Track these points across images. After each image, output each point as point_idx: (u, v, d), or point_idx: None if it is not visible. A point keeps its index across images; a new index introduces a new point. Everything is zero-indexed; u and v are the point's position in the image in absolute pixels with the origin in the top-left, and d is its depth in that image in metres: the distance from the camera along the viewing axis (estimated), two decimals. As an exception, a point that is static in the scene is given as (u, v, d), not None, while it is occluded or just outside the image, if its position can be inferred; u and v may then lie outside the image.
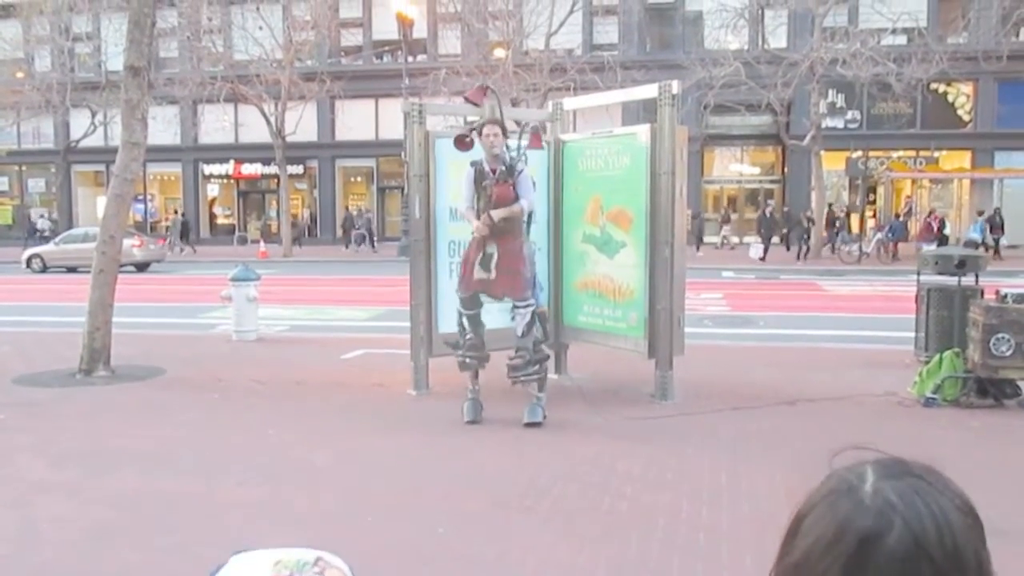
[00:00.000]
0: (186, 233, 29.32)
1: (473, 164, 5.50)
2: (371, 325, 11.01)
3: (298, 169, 32.08)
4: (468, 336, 5.60)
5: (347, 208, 31.11)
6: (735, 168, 30.86)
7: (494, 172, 5.43)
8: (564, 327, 6.78)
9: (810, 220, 23.01)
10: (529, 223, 5.67)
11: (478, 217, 5.41)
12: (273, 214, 33.69)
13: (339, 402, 6.14)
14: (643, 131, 6.01)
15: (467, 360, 5.59)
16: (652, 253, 5.94)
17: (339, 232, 30.29)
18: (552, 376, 6.61)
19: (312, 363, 7.73)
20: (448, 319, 6.13)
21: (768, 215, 23.95)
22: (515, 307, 5.48)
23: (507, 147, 5.48)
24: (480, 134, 5.44)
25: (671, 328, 5.92)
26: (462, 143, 5.58)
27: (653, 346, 5.98)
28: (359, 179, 34.48)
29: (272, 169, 30.32)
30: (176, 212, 31.14)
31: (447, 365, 6.12)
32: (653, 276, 5.94)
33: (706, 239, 27.03)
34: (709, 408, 5.82)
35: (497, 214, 5.34)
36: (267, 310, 11.11)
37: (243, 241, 30.94)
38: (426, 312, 6.21)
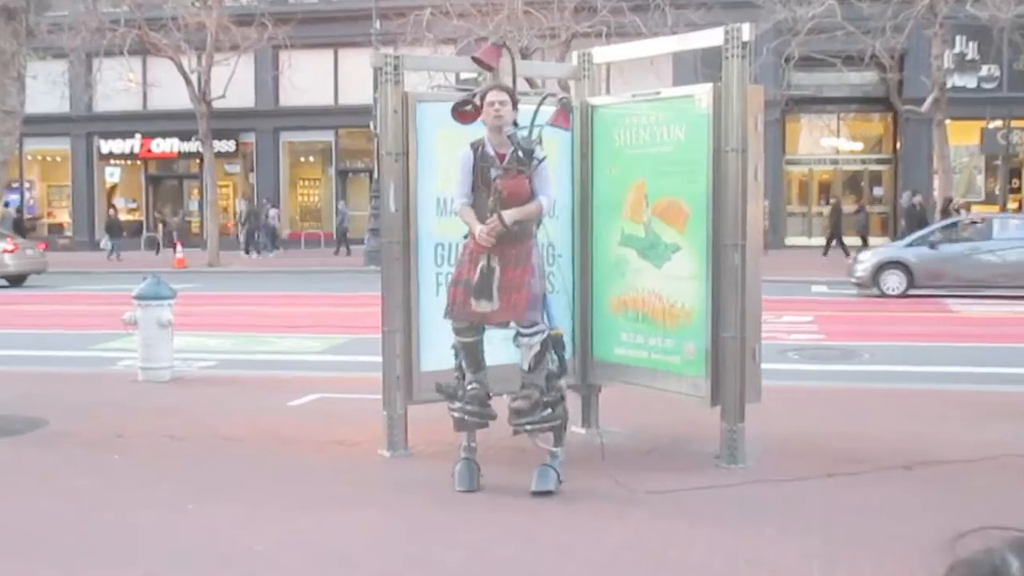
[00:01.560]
0: (116, 232, 29.48)
1: (473, 146, 5.51)
2: (328, 360, 11.03)
3: (229, 146, 32.36)
4: (471, 385, 5.59)
5: (248, 200, 31.24)
6: (829, 143, 30.97)
7: (502, 158, 5.44)
8: (594, 363, 6.78)
9: (955, 209, 22.62)
10: (540, 221, 5.69)
11: (480, 218, 5.40)
12: (195, 207, 33.94)
13: (285, 466, 6.14)
14: (703, 93, 6.02)
15: (466, 417, 5.59)
16: (716, 260, 5.94)
17: (240, 232, 30.51)
18: (577, 430, 6.61)
19: (248, 412, 7.73)
20: (435, 351, 6.14)
21: (914, 206, 23.74)
22: (520, 334, 5.49)
23: (516, 124, 5.48)
24: (481, 104, 5.45)
25: (743, 364, 5.91)
26: (464, 114, 5.58)
27: (718, 389, 5.97)
28: (312, 159, 34.73)
29: (193, 146, 30.57)
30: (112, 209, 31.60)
31: (434, 414, 6.13)
32: (718, 292, 5.94)
33: (789, 240, 27.10)
34: (795, 474, 5.80)
35: (510, 216, 5.32)
36: (186, 339, 11.13)
37: (153, 245, 31.14)
38: (404, 342, 6.22)
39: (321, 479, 5.86)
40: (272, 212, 30.71)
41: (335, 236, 30.12)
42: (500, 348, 5.80)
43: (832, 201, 27.39)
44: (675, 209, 6.18)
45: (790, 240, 28.69)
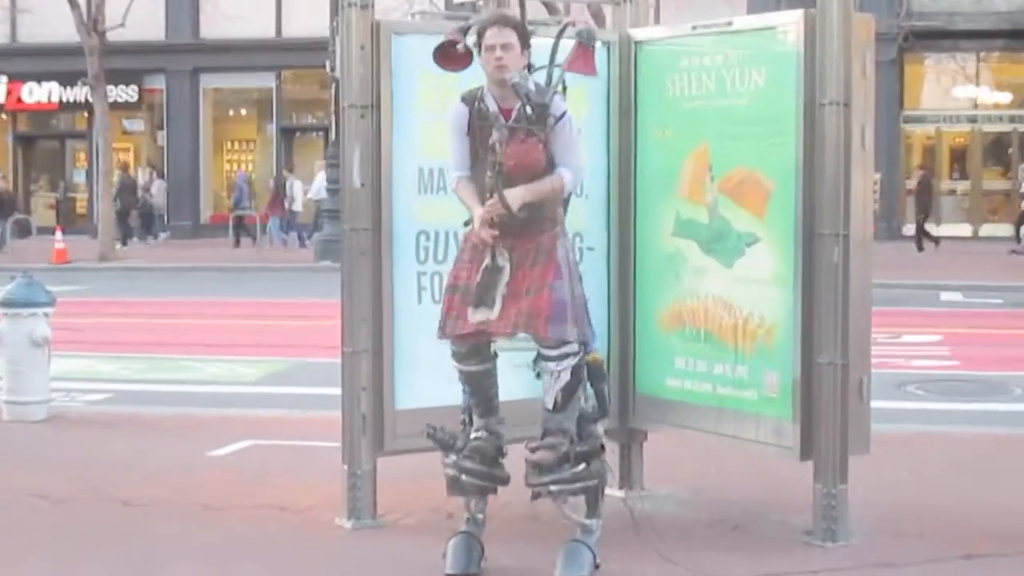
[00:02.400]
0: (7, 211, 29.55)
1: (466, 99, 5.48)
2: (265, 393, 11.01)
3: (129, 94, 32.47)
4: (476, 434, 5.57)
5: (122, 167, 31.15)
6: (964, 93, 30.90)
7: (506, 115, 5.39)
8: (638, 399, 6.76)
9: None
10: (567, 203, 5.66)
11: (483, 197, 5.36)
12: (81, 178, 33.98)
13: (205, 543, 6.11)
14: (790, 24, 6.01)
15: (463, 477, 5.54)
16: (808, 256, 5.93)
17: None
18: (613, 492, 6.55)
19: (155, 465, 7.72)
20: (416, 381, 6.16)
21: None
22: (542, 356, 5.44)
23: (531, 67, 5.43)
24: (480, 45, 5.40)
25: (844, 402, 5.88)
26: (449, 57, 5.53)
27: (810, 436, 5.94)
28: (245, 112, 34.80)
29: (80, 94, 30.62)
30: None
31: (414, 469, 6.09)
32: (810, 301, 5.93)
33: (909, 228, 27.07)
34: (916, 556, 5.78)
35: (516, 196, 5.27)
36: (69, 363, 11.10)
37: (24, 229, 31.16)
38: (373, 369, 6.22)
39: (253, 561, 5.83)
40: (158, 185, 30.68)
41: (231, 220, 29.89)
42: (510, 378, 5.78)
43: (921, 172, 26.98)
44: (751, 185, 6.16)
45: (911, 228, 28.58)
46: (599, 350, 5.95)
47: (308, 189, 29.60)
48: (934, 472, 7.41)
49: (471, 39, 5.45)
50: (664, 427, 6.72)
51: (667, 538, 5.94)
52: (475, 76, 5.60)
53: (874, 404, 6.16)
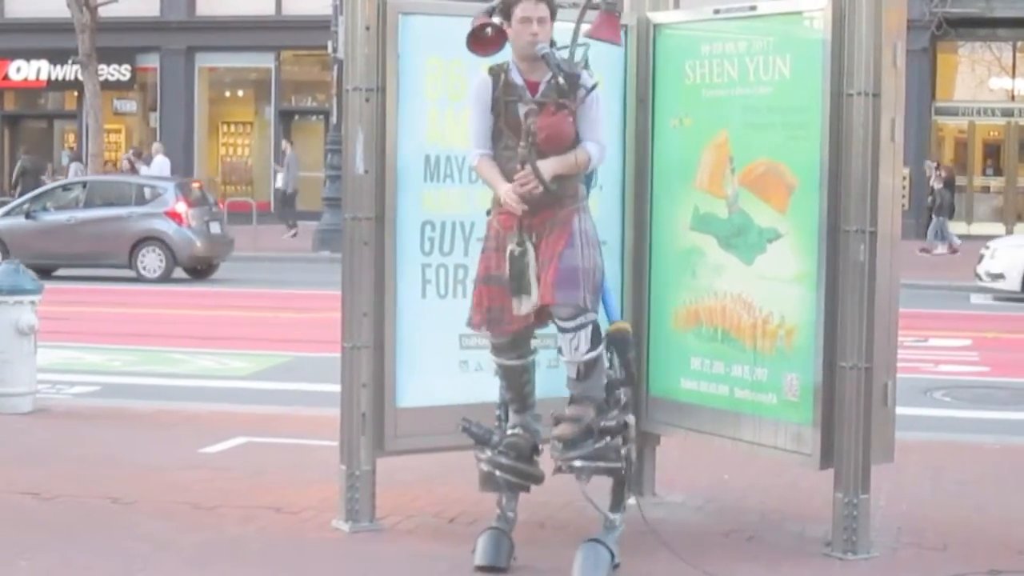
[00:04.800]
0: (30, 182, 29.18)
1: (493, 72, 5.53)
2: (259, 389, 11.05)
3: (122, 73, 32.47)
4: (512, 430, 5.65)
5: (27, 152, 30.94)
6: (1000, 84, 30.79)
7: (534, 88, 5.45)
8: (651, 401, 6.77)
9: None
10: (590, 181, 5.73)
11: (506, 175, 5.43)
12: (69, 160, 33.94)
13: (197, 544, 6.12)
14: (817, 9, 6.00)
15: (498, 473, 5.62)
16: (833, 254, 5.93)
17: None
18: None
19: (144, 461, 7.73)
20: (420, 378, 6.17)
21: None
22: (558, 328, 5.52)
23: (554, 44, 5.45)
24: (509, 18, 5.43)
25: (868, 408, 5.87)
26: (482, 41, 5.57)
27: (831, 443, 5.93)
28: (242, 93, 34.80)
29: (70, 72, 30.63)
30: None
31: (419, 470, 6.07)
32: (834, 300, 5.93)
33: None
34: (941, 570, 5.79)
35: (549, 167, 5.34)
36: (56, 353, 11.12)
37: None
38: (374, 365, 6.22)
39: (248, 563, 5.83)
40: (74, 168, 30.35)
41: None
42: (546, 375, 5.88)
43: (939, 174, 26.72)
44: (774, 178, 6.16)
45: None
46: (622, 319, 6.03)
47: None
48: (960, 483, 7.40)
49: (497, 18, 5.51)
50: (679, 431, 6.72)
51: (680, 547, 5.91)
52: (481, 60, 5.63)
53: (899, 411, 6.16)
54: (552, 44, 5.46)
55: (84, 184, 22.83)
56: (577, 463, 5.49)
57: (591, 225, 5.62)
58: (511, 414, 5.72)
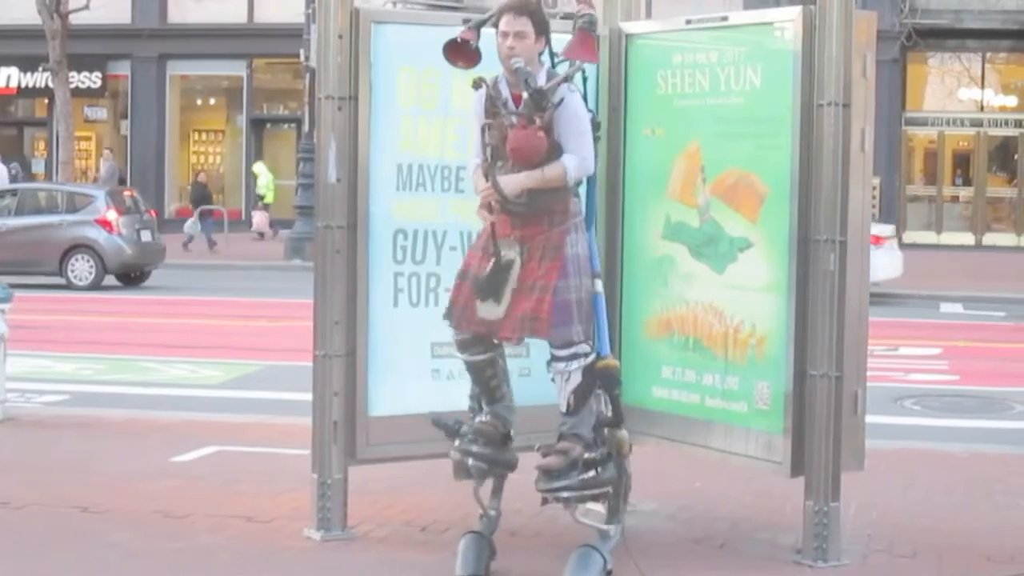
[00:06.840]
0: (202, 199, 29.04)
1: (481, 84, 5.58)
2: (231, 398, 11.03)
3: (93, 80, 32.28)
4: (482, 418, 5.70)
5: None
6: (969, 95, 30.97)
7: (518, 101, 5.51)
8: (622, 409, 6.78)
9: None
10: (591, 194, 5.79)
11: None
12: (40, 168, 33.79)
13: (167, 553, 6.12)
14: (788, 20, 6.05)
15: (470, 461, 5.64)
16: (803, 263, 5.96)
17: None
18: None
19: (115, 470, 7.73)
20: (391, 387, 6.19)
21: None
22: (552, 356, 5.56)
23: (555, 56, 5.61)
24: (498, 30, 5.49)
25: (838, 416, 5.91)
26: (459, 53, 5.64)
27: (801, 451, 5.98)
28: (213, 101, 34.65)
29: (40, 79, 30.46)
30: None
31: (386, 479, 6.09)
32: (804, 309, 5.97)
33: (909, 235, 27.10)
34: (911, 577, 5.84)
35: (514, 184, 5.41)
36: (25, 362, 11.07)
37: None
38: (346, 373, 6.24)
39: (220, 573, 5.84)
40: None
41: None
42: (520, 384, 5.89)
43: None
44: (745, 188, 6.19)
45: (910, 236, 28.70)
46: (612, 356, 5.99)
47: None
48: (930, 491, 7.45)
49: (485, 30, 5.58)
50: (650, 439, 6.71)
51: (651, 555, 5.94)
52: (465, 72, 5.67)
53: (869, 419, 6.21)
54: (553, 56, 5.58)
55: (15, 192, 22.91)
56: (565, 495, 5.54)
57: (583, 247, 5.65)
58: (483, 406, 5.75)
